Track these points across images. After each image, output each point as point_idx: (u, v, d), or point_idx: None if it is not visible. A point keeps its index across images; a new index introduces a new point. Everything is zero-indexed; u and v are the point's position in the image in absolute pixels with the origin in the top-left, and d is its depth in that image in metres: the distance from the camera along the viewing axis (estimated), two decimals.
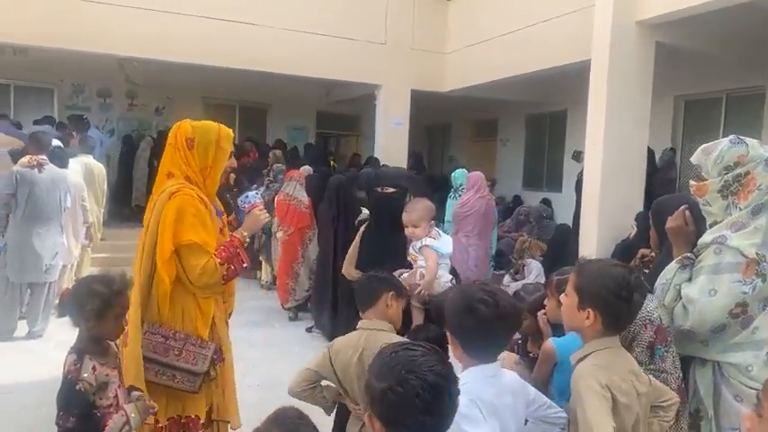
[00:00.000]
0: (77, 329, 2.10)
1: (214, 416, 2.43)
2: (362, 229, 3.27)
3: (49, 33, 7.73)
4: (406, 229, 2.86)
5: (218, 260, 2.32)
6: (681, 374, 2.00)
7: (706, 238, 2.02)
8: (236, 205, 7.19)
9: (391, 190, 2.89)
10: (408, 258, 2.87)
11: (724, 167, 2.00)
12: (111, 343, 2.18)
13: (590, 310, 1.74)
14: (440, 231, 2.95)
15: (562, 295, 1.88)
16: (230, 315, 2.69)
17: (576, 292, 1.80)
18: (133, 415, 2.04)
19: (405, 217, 2.82)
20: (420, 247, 2.84)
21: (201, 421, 2.35)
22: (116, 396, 2.08)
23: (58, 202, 5.56)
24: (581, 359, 1.76)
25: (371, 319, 2.26)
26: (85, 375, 1.99)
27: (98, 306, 2.01)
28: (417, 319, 3.01)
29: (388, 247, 2.75)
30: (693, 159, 2.11)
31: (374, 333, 2.20)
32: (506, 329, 1.75)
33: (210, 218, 2.40)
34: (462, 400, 1.56)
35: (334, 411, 2.39)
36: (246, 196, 2.26)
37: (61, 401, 1.99)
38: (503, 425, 1.67)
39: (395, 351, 1.32)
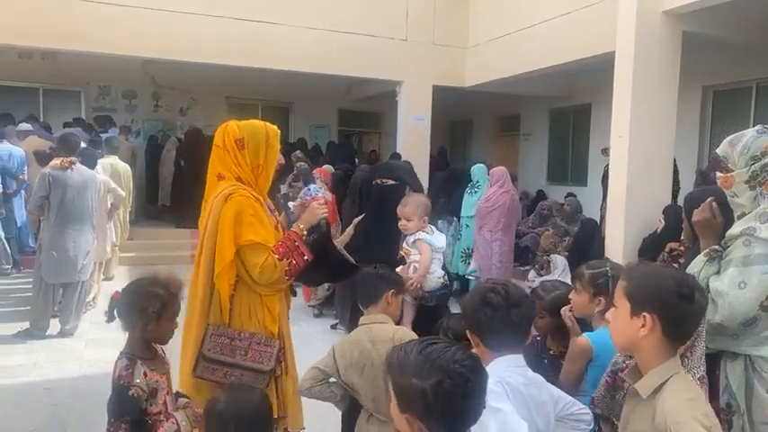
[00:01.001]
0: (127, 333, 2.08)
1: (281, 412, 2.44)
2: (359, 217, 3.24)
3: (76, 37, 7.88)
4: (399, 222, 2.83)
5: (277, 256, 2.31)
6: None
7: (734, 229, 1.98)
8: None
9: (390, 182, 2.86)
10: (401, 252, 2.84)
11: (751, 158, 1.95)
12: (159, 348, 2.16)
13: (646, 314, 1.51)
14: (433, 228, 2.93)
15: (610, 309, 1.67)
16: (290, 307, 2.69)
17: (627, 298, 1.57)
18: (184, 423, 2.01)
19: (399, 209, 2.81)
20: (414, 241, 2.83)
21: (274, 416, 2.33)
22: (164, 403, 2.06)
23: (90, 202, 5.66)
24: (658, 387, 1.52)
25: (373, 314, 2.30)
26: (138, 381, 1.97)
27: (158, 308, 2.01)
28: (408, 314, 3.00)
29: (380, 239, 2.72)
30: (719, 151, 2.07)
31: (376, 326, 2.24)
32: (522, 317, 1.73)
33: (267, 215, 2.42)
34: (490, 379, 1.59)
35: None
36: (309, 189, 2.27)
37: (113, 408, 1.95)
38: (527, 414, 1.64)
39: (423, 348, 1.31)
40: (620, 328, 1.59)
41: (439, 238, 2.97)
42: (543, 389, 1.77)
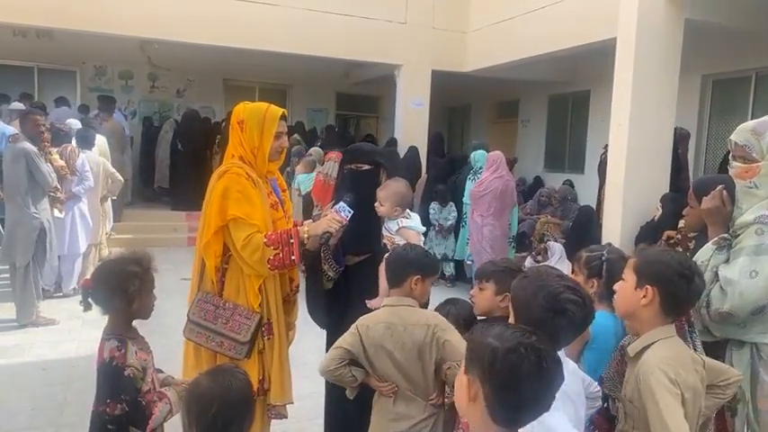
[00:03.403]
0: (108, 316, 2.07)
1: (266, 385, 2.50)
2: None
3: (72, 16, 7.78)
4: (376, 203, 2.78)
5: (265, 240, 2.35)
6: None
7: (747, 217, 1.96)
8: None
9: (366, 167, 2.78)
10: (384, 240, 2.80)
11: None
12: (136, 327, 2.16)
13: (648, 287, 1.72)
14: (409, 212, 2.90)
15: (619, 282, 1.85)
16: (298, 287, 2.71)
17: (634, 272, 1.78)
18: (175, 400, 2.04)
19: (377, 191, 2.77)
20: (398, 229, 2.79)
21: (253, 389, 2.40)
22: (152, 380, 2.08)
23: (20, 177, 5.24)
24: (644, 349, 1.72)
25: (398, 296, 2.26)
26: (132, 361, 1.97)
27: (138, 286, 2.02)
28: None
29: (360, 230, 2.64)
30: (739, 139, 2.02)
31: (401, 309, 2.21)
32: (589, 323, 1.69)
33: (261, 194, 2.46)
34: None
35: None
36: (339, 205, 2.25)
37: (108, 389, 1.94)
38: (573, 411, 1.65)
39: (509, 325, 1.30)
40: (624, 297, 1.81)
41: (418, 221, 2.93)
42: (579, 376, 1.78)
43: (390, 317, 2.19)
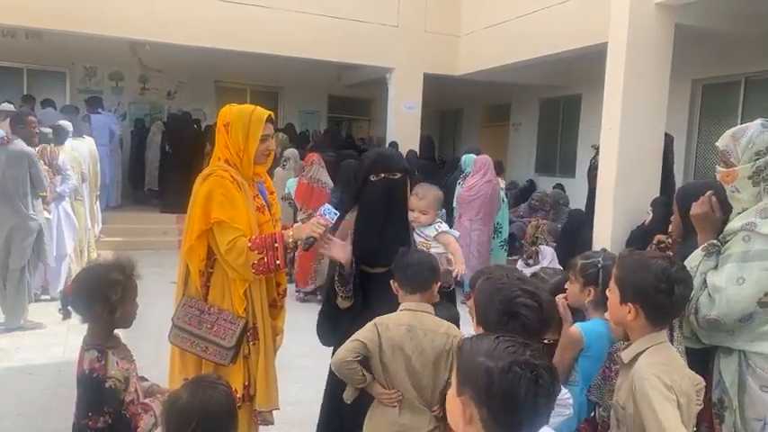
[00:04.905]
0: (88, 324, 2.00)
1: (252, 391, 2.47)
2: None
3: (62, 17, 7.73)
4: (410, 214, 2.71)
5: (249, 244, 2.33)
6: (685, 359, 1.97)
7: (734, 224, 1.96)
8: None
9: (399, 175, 2.70)
10: (419, 247, 2.73)
11: (755, 153, 1.92)
12: (119, 335, 2.09)
13: (630, 304, 1.70)
14: (441, 220, 2.85)
15: (607, 290, 1.83)
16: (285, 291, 2.69)
17: (617, 286, 1.76)
18: (160, 412, 1.95)
19: (414, 202, 2.65)
20: (436, 235, 2.73)
21: (238, 395, 2.37)
22: (136, 390, 2.01)
23: (17, 179, 5.16)
24: (636, 356, 1.70)
25: (418, 302, 2.21)
26: (113, 372, 1.90)
27: (120, 294, 1.95)
28: None
29: (393, 239, 2.54)
30: (720, 144, 2.04)
31: (421, 314, 2.17)
32: (547, 328, 1.68)
33: (246, 197, 2.43)
34: None
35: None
36: (324, 207, 2.18)
37: (89, 402, 1.87)
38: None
39: (499, 338, 1.24)
40: (613, 309, 1.81)
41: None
42: None
43: (411, 320, 2.14)
